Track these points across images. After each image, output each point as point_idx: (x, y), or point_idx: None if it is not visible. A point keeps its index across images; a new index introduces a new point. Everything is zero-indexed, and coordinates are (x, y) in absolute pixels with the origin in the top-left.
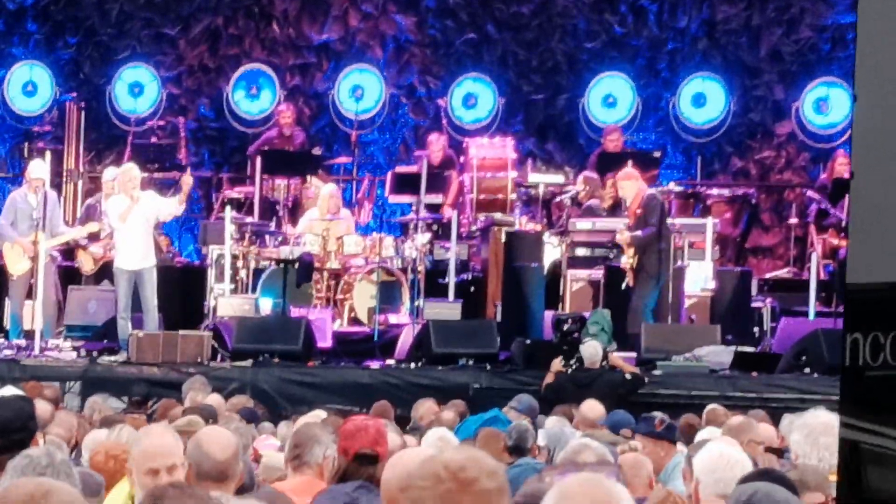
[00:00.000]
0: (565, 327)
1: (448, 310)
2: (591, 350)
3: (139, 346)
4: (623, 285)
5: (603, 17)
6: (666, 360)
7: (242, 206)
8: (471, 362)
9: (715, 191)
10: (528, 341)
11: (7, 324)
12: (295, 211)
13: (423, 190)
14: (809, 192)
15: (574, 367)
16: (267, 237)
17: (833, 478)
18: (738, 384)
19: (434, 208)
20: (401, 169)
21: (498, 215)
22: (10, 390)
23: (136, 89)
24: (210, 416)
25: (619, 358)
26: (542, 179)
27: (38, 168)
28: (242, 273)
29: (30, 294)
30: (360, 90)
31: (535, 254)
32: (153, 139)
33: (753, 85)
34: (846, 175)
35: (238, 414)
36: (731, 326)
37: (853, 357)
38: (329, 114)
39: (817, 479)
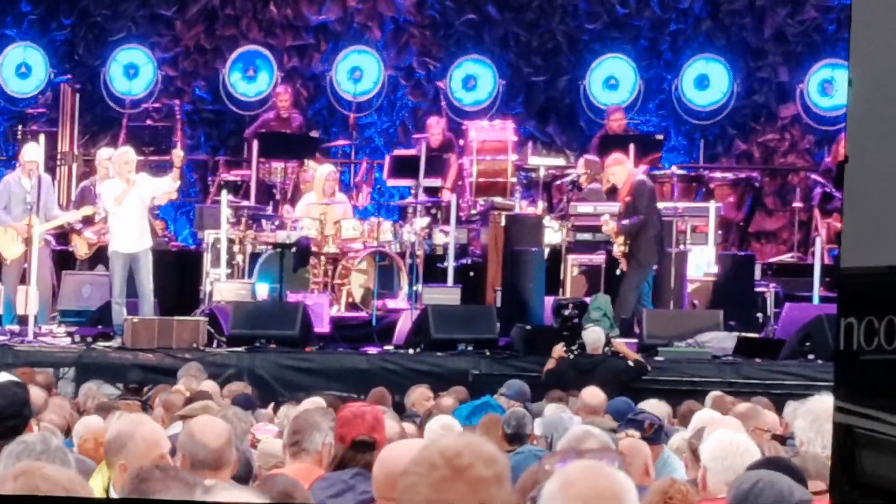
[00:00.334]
0: (566, 313)
1: (447, 295)
2: (593, 336)
3: (134, 331)
4: (618, 271)
5: None
6: (668, 346)
7: (239, 189)
8: (470, 348)
9: (718, 174)
10: (529, 327)
11: (0, 309)
12: (292, 194)
13: (422, 173)
14: (814, 176)
15: (576, 352)
16: (263, 221)
17: None
18: (741, 370)
19: (433, 192)
20: (399, 152)
21: (498, 199)
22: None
23: (132, 71)
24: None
25: (622, 344)
26: (543, 162)
27: (32, 151)
28: (239, 258)
29: (23, 279)
30: (359, 72)
31: (536, 238)
32: (148, 122)
33: (757, 66)
34: None
35: (234, 401)
36: (734, 312)
37: (847, 342)
38: (327, 96)
39: (817, 467)
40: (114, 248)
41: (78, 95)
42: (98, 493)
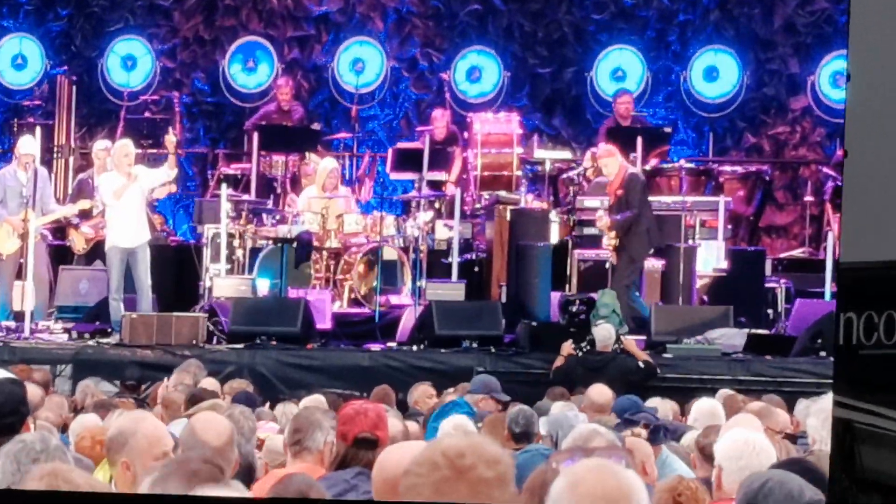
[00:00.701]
0: (573, 309)
1: (451, 290)
2: (604, 333)
3: (132, 327)
4: (607, 265)
5: None
6: (676, 342)
7: (239, 183)
8: (475, 345)
9: (727, 168)
10: (534, 323)
11: None
12: (293, 188)
13: (426, 167)
14: (825, 169)
15: (585, 350)
16: (264, 215)
17: None
18: (752, 368)
19: (437, 185)
20: (402, 145)
21: (503, 193)
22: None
23: (129, 62)
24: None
25: (632, 343)
26: (549, 155)
27: (28, 144)
28: (239, 253)
29: (19, 274)
30: (361, 63)
31: (542, 233)
32: (147, 114)
33: (767, 58)
34: None
35: (235, 398)
36: (744, 308)
37: (847, 336)
38: (328, 88)
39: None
40: (111, 243)
41: (75, 87)
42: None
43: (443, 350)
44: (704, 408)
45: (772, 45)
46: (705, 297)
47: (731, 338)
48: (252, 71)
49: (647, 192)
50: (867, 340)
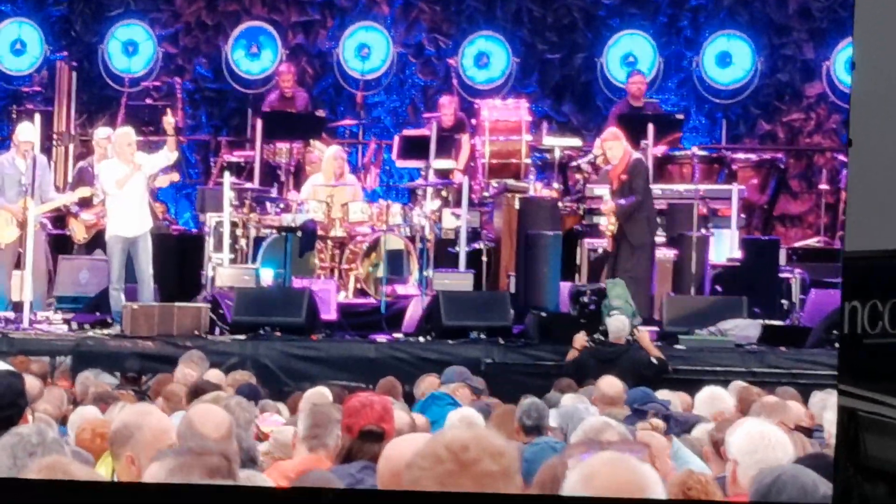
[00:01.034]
0: (583, 299)
1: (459, 280)
2: (617, 324)
3: (133, 318)
4: (600, 250)
5: None
6: (689, 333)
7: (242, 171)
8: (483, 336)
9: (741, 155)
10: (544, 314)
11: None
12: (297, 176)
13: (433, 154)
14: (841, 157)
15: (598, 341)
16: (268, 204)
17: None
18: (766, 359)
19: (444, 174)
20: (409, 132)
21: (511, 181)
22: None
23: (131, 48)
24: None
25: (646, 337)
26: (558, 143)
27: (27, 131)
28: (242, 242)
29: (18, 264)
30: (366, 49)
31: (551, 221)
32: (148, 101)
33: (781, 43)
34: None
35: (238, 391)
36: (759, 298)
37: (851, 325)
38: (333, 74)
39: None
40: (112, 232)
41: (75, 73)
42: None
43: (450, 341)
44: (706, 394)
45: (786, 30)
46: (718, 288)
47: (744, 329)
48: (255, 56)
49: (649, 179)
50: (872, 329)
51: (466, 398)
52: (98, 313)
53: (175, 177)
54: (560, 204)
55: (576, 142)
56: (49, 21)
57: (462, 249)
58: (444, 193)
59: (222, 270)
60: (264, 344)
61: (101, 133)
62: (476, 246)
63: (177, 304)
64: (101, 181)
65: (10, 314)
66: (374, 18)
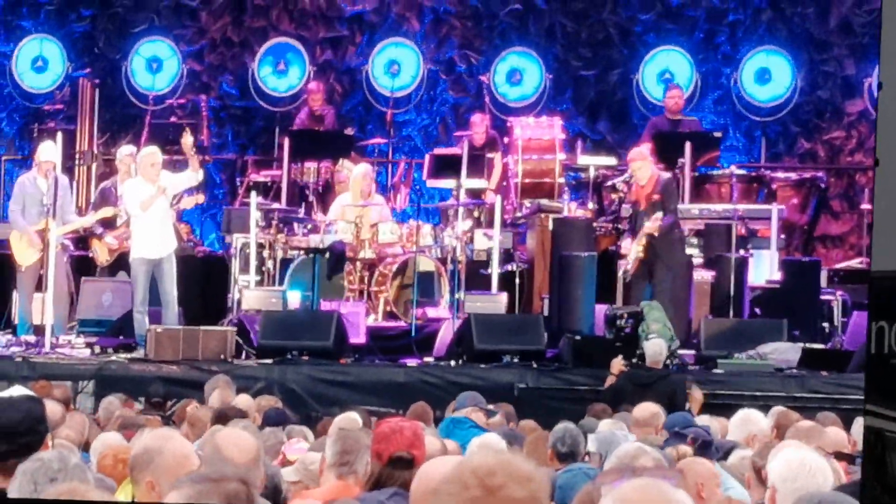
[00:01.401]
0: (619, 323)
1: (491, 303)
2: (655, 348)
3: (157, 342)
4: (622, 273)
5: None
6: (727, 357)
7: (269, 190)
8: (516, 360)
9: (780, 174)
10: (578, 337)
11: (15, 319)
12: (326, 196)
13: (464, 173)
14: None
15: (635, 365)
16: (295, 224)
17: None
18: (807, 384)
19: (476, 193)
20: (440, 151)
21: (545, 201)
22: (18, 390)
23: (155, 65)
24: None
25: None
26: (593, 162)
27: (49, 150)
28: (269, 263)
29: (39, 286)
30: (396, 66)
31: (586, 242)
32: (173, 119)
33: (822, 59)
34: None
35: (266, 416)
36: (799, 321)
37: (878, 345)
38: (362, 91)
39: None
40: (136, 254)
41: (98, 91)
42: None
43: (482, 365)
44: (739, 417)
45: (827, 46)
46: (757, 310)
47: (784, 352)
48: (283, 74)
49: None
50: None
51: (480, 422)
52: (121, 337)
53: (200, 198)
54: (595, 224)
55: (611, 160)
56: (71, 37)
57: (494, 271)
58: (475, 214)
59: (248, 293)
60: (291, 368)
61: (124, 151)
62: (509, 267)
63: (202, 327)
64: (125, 202)
65: (32, 338)
66: (404, 34)
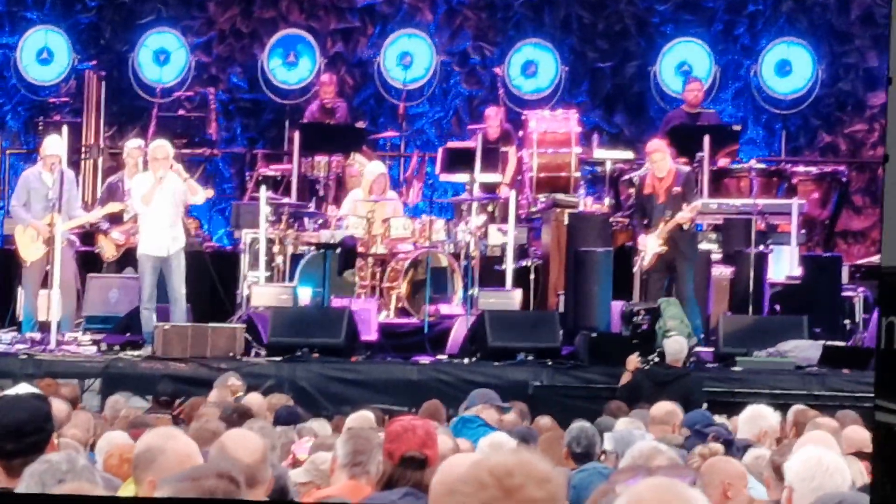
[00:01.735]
0: (636, 319)
1: (505, 299)
2: (675, 346)
3: (165, 339)
4: (636, 269)
5: None
6: (747, 355)
7: (279, 185)
8: (530, 357)
9: (801, 168)
10: (594, 335)
11: (20, 315)
12: (337, 191)
13: (478, 167)
14: None
15: (653, 362)
16: (306, 220)
17: None
18: (828, 382)
19: (490, 188)
20: (453, 144)
21: (560, 195)
22: (24, 388)
23: (162, 57)
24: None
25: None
26: (609, 155)
27: (54, 144)
28: (279, 259)
29: (45, 282)
30: (409, 57)
31: (602, 238)
32: (180, 112)
33: (843, 51)
34: None
35: (277, 414)
36: (820, 318)
37: (889, 340)
38: (374, 84)
39: None
40: (143, 251)
41: (104, 83)
42: None
43: (496, 363)
44: (748, 414)
45: (848, 38)
46: (777, 307)
47: (805, 350)
48: (293, 66)
49: None
50: None
51: (493, 419)
52: (129, 334)
53: (209, 192)
54: (611, 219)
55: (628, 154)
56: (77, 29)
57: (509, 267)
58: (489, 208)
59: (258, 289)
60: (302, 366)
61: (132, 144)
62: (523, 263)
63: (211, 324)
64: (133, 196)
65: (37, 335)
66: (416, 25)
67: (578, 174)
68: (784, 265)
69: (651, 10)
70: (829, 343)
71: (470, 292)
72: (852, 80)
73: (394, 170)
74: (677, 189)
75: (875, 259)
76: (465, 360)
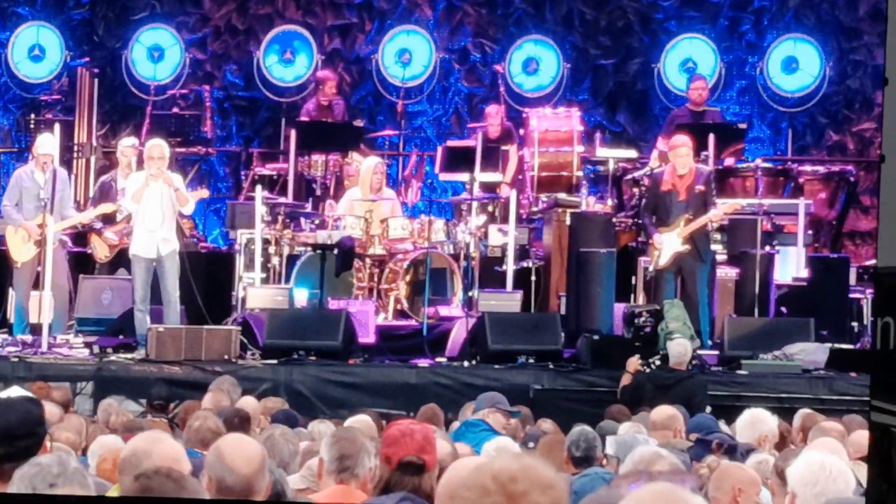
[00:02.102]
0: (639, 321)
1: (506, 301)
2: (679, 348)
3: (159, 342)
4: (650, 269)
5: None
6: (752, 358)
7: (275, 184)
8: (531, 360)
9: (808, 168)
10: (597, 337)
11: (11, 317)
12: (334, 190)
13: (478, 166)
14: None
15: (655, 365)
16: (302, 220)
17: None
18: (835, 386)
19: (490, 187)
20: (453, 143)
21: (562, 195)
22: (15, 391)
23: (156, 54)
24: (242, 421)
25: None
26: (612, 154)
27: (46, 142)
28: (275, 260)
29: (36, 284)
30: (408, 54)
31: (604, 238)
32: (175, 110)
33: (851, 48)
34: None
35: (274, 418)
36: (827, 320)
37: (884, 341)
38: (372, 81)
39: None
40: (135, 251)
41: (97, 80)
42: None
43: (496, 366)
44: (746, 418)
45: (856, 34)
46: (783, 309)
47: (811, 353)
48: (289, 63)
49: None
50: None
51: (499, 424)
52: (121, 336)
53: (204, 192)
54: (614, 220)
55: (631, 153)
56: (69, 25)
57: (509, 268)
58: (490, 208)
59: (254, 291)
60: (298, 369)
61: (126, 143)
62: (524, 264)
63: (205, 326)
64: (126, 196)
65: (28, 337)
66: (415, 22)
67: (580, 173)
68: (790, 266)
69: (655, 5)
70: (837, 346)
71: (470, 294)
72: (860, 78)
73: (392, 169)
74: (700, 188)
75: None
76: (465, 364)
